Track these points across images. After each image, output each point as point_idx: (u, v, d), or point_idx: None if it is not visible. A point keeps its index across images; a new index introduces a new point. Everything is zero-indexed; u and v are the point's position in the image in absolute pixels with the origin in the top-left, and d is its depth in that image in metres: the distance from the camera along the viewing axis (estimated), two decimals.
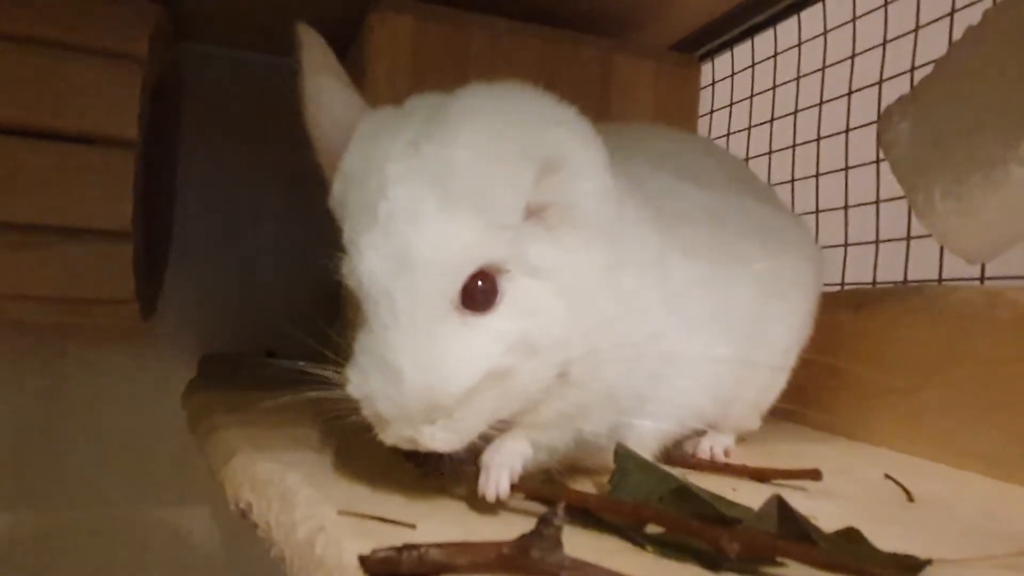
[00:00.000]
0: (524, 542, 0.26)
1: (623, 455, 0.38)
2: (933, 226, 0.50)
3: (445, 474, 0.36)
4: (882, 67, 0.63)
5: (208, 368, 0.83)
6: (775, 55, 0.75)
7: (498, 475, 0.34)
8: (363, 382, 0.34)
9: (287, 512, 0.35)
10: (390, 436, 0.34)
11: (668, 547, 0.31)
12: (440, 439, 0.33)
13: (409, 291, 0.32)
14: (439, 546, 0.26)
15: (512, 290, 0.34)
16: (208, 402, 0.62)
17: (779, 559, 0.30)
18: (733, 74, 0.81)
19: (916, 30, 0.60)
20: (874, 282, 0.63)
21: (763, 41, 0.78)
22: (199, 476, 0.87)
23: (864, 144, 0.65)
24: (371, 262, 0.33)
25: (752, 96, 0.78)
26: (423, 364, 0.32)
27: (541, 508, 0.36)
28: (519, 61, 0.72)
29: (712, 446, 0.48)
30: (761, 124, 0.76)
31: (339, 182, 0.37)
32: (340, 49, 0.77)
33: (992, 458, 0.48)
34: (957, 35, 0.55)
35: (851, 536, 0.33)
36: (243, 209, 0.94)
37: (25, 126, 0.63)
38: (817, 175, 0.69)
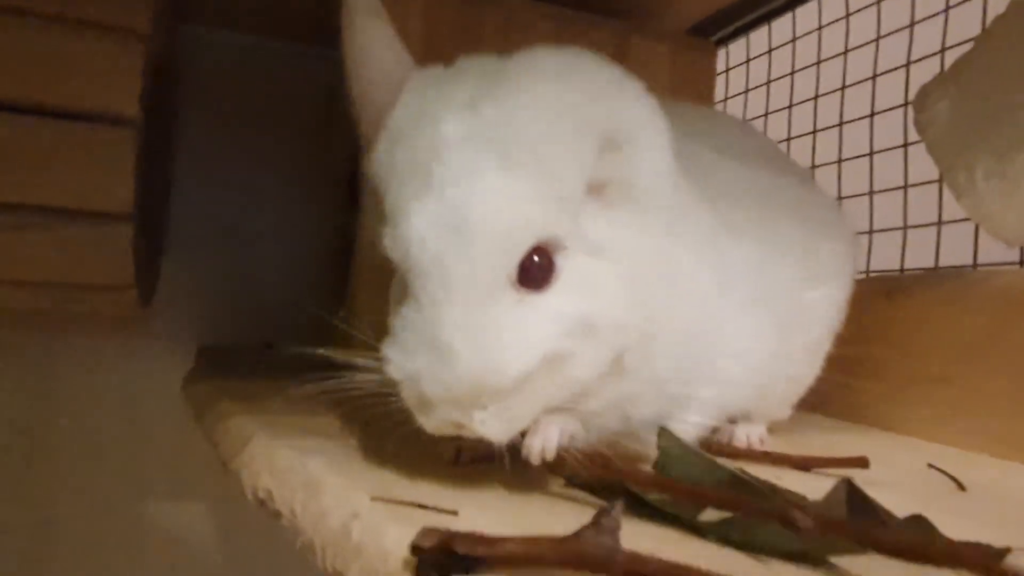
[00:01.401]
0: (582, 533, 0.24)
1: (667, 441, 0.36)
2: (974, 207, 0.48)
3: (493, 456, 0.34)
4: (909, 49, 0.62)
5: (206, 360, 0.81)
6: (794, 39, 0.74)
7: (546, 432, 0.32)
8: (407, 362, 0.31)
9: (314, 499, 0.33)
10: (433, 420, 0.31)
11: (729, 533, 0.29)
12: (491, 427, 0.30)
13: (464, 263, 0.30)
14: (488, 537, 0.24)
15: (569, 268, 0.31)
16: (214, 390, 0.60)
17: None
18: (748, 60, 0.79)
19: (947, 10, 0.58)
20: (901, 269, 0.61)
21: (780, 26, 0.77)
22: (196, 471, 0.84)
23: (889, 128, 0.63)
24: (422, 230, 0.30)
25: (769, 82, 0.76)
26: (478, 343, 0.29)
27: (590, 498, 0.34)
28: (533, 41, 0.69)
29: (748, 434, 0.46)
30: (780, 110, 0.74)
31: (385, 141, 0.34)
32: None
33: None
34: (990, 15, 0.54)
35: (919, 523, 0.31)
36: (242, 197, 0.91)
37: (21, 102, 0.60)
38: (840, 160, 0.67)
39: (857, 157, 0.66)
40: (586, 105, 0.31)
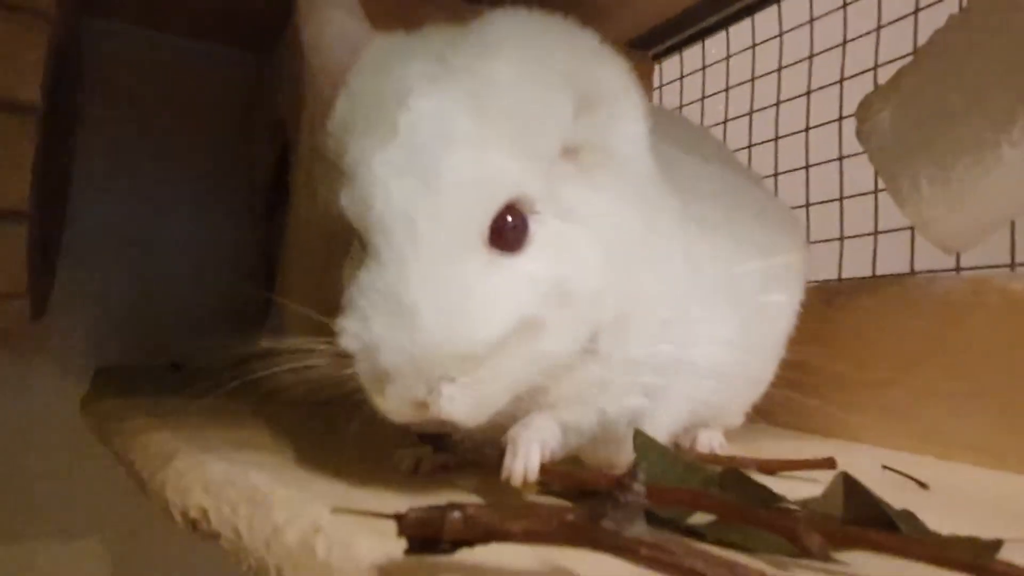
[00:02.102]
0: (594, 509, 0.21)
1: (643, 443, 0.34)
2: (917, 214, 0.49)
3: (457, 454, 0.31)
4: (843, 66, 0.63)
5: (104, 382, 0.73)
6: (727, 57, 0.75)
7: (527, 451, 0.29)
8: (364, 330, 0.27)
9: (263, 515, 0.29)
10: (393, 399, 0.27)
11: (727, 534, 0.27)
12: (459, 405, 0.27)
13: (434, 217, 0.27)
14: (489, 508, 0.21)
15: (543, 232, 0.29)
16: (121, 408, 0.54)
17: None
18: (683, 76, 0.80)
19: (878, 29, 0.60)
20: (839, 279, 0.62)
21: (714, 44, 0.78)
22: (90, 502, 0.76)
23: (824, 143, 0.65)
24: (388, 183, 0.27)
25: (704, 97, 0.77)
26: (445, 304, 0.26)
27: (565, 504, 0.31)
28: None
29: (710, 439, 0.45)
30: (715, 125, 0.75)
31: (344, 102, 0.31)
32: (276, 29, 0.71)
33: (982, 447, 0.47)
34: (922, 32, 0.56)
35: (909, 519, 0.30)
36: (147, 203, 0.85)
37: None
38: (776, 174, 0.68)
39: (793, 170, 0.67)
40: (562, 60, 0.29)
